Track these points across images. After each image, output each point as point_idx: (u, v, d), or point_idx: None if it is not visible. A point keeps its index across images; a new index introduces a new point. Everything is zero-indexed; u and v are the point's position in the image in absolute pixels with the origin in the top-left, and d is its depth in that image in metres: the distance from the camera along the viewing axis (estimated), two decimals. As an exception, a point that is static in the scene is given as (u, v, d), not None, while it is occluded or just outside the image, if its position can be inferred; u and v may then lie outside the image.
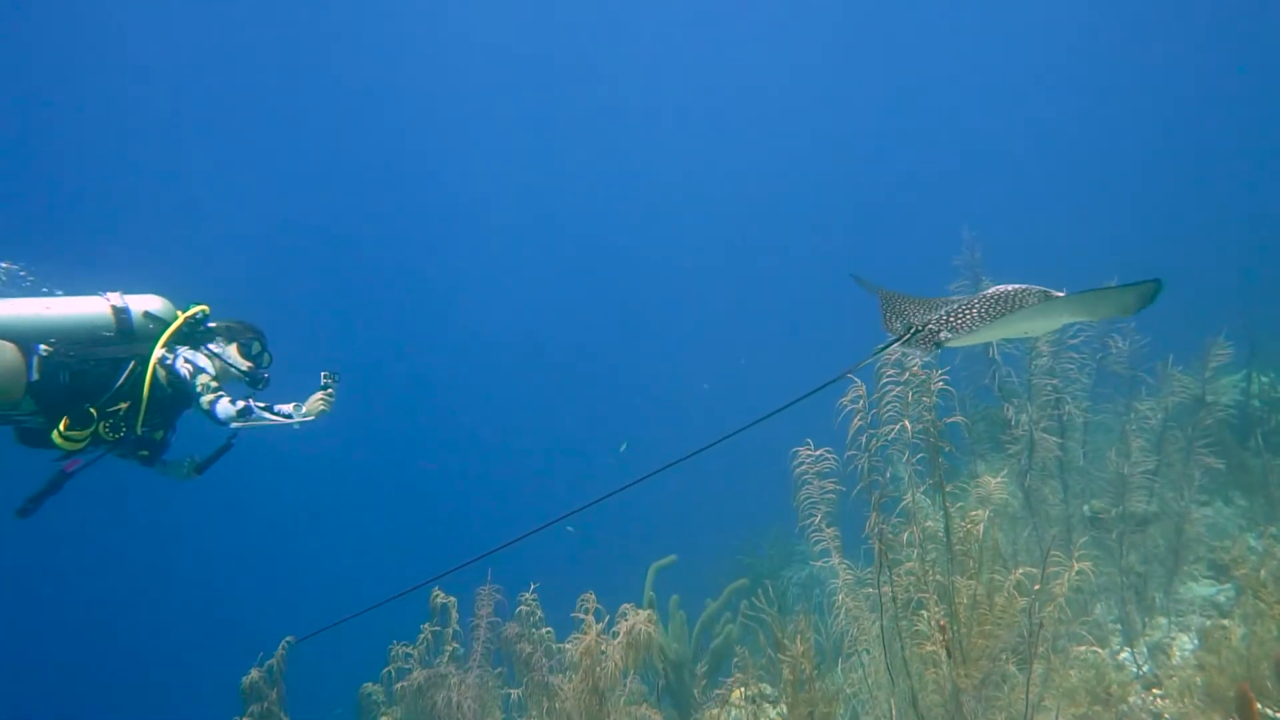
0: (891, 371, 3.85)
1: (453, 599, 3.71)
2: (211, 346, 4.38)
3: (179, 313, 4.31)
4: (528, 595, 3.83)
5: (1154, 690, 4.56)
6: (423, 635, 3.48)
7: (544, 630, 3.98)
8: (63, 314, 4.01)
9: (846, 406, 3.47)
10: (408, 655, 3.33)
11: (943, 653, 2.92)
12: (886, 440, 3.69)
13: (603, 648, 3.30)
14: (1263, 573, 3.56)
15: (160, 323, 4.22)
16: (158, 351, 4.12)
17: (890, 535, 3.56)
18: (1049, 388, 4.65)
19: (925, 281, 5.13)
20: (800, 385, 3.10)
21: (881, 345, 3.28)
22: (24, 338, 3.85)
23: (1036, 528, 4.72)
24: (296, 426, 4.25)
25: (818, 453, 3.73)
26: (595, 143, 29.97)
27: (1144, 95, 29.46)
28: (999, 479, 3.69)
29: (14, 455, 4.10)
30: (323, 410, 4.32)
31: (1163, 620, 5.54)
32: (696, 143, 30.75)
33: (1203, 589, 6.28)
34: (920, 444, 3.64)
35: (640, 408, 22.98)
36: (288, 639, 3.24)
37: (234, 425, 4.06)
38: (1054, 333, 4.68)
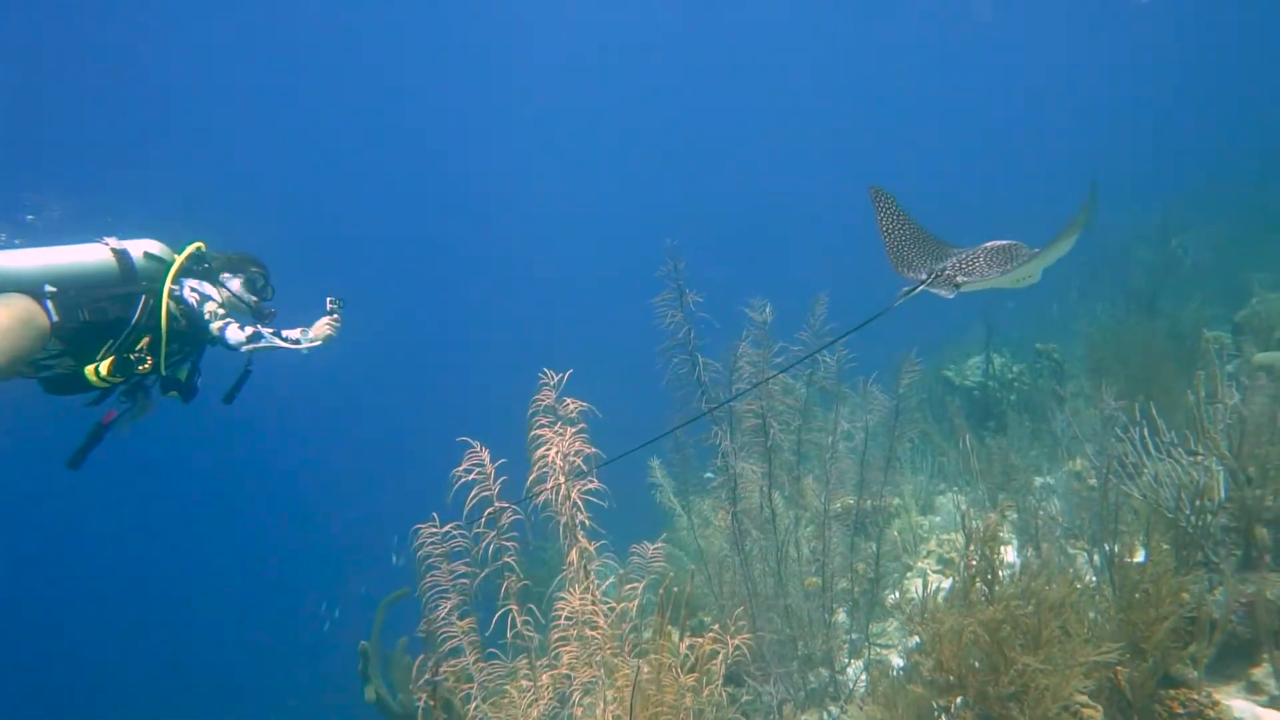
0: (544, 420, 3.19)
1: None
2: (220, 280, 4.45)
3: (175, 255, 4.32)
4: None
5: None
6: None
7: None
8: (65, 261, 3.97)
9: (461, 478, 2.78)
10: None
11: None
12: (534, 496, 3.06)
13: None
14: (926, 612, 3.29)
15: (160, 262, 4.25)
16: (168, 285, 4.17)
17: (535, 626, 2.95)
18: (752, 413, 4.22)
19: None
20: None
21: (908, 289, 3.34)
22: (30, 287, 3.83)
23: (745, 565, 4.33)
24: (305, 351, 4.38)
25: (444, 529, 3.02)
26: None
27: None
28: (659, 544, 3.17)
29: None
30: (329, 335, 4.42)
31: (882, 627, 5.49)
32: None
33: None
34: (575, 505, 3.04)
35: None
36: None
37: (245, 349, 4.17)
38: (756, 349, 4.27)
